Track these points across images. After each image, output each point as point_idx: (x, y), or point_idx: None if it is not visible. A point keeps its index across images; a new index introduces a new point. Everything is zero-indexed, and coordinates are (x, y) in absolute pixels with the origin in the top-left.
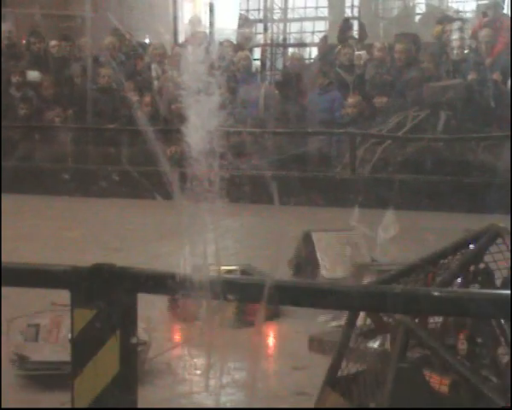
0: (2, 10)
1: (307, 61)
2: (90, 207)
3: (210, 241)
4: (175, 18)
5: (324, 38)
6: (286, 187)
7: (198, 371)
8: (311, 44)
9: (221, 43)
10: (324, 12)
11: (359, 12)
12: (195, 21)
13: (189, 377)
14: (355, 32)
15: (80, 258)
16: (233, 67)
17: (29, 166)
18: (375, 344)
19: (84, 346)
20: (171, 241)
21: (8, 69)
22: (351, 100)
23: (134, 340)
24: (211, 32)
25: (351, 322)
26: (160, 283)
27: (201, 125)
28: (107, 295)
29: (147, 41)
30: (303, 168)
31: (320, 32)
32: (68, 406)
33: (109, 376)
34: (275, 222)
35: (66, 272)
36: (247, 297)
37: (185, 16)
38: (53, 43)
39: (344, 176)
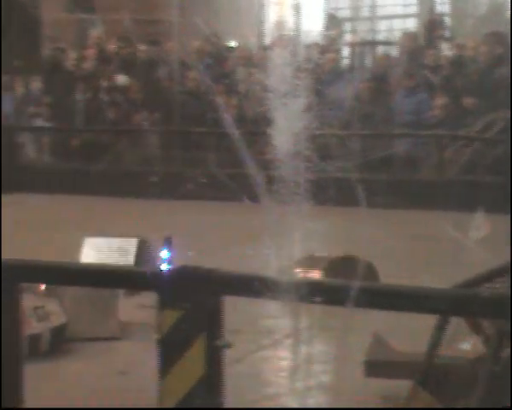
0: (92, 16)
1: (394, 61)
2: (177, 209)
3: (296, 243)
4: (261, 21)
5: (413, 37)
6: (372, 190)
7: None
8: (400, 43)
9: (308, 46)
10: (414, 9)
11: (450, 8)
12: (282, 24)
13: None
14: (444, 32)
15: None
16: (319, 70)
17: (117, 169)
18: (467, 346)
19: (172, 347)
20: (257, 243)
21: (98, 74)
22: (438, 101)
23: (220, 342)
24: (297, 35)
25: (441, 325)
26: (246, 285)
27: (288, 127)
28: (194, 297)
29: (233, 44)
30: (390, 170)
31: (410, 29)
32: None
33: (195, 377)
34: (361, 225)
35: (154, 274)
36: (333, 300)
37: (271, 19)
38: (141, 47)
39: (431, 178)
